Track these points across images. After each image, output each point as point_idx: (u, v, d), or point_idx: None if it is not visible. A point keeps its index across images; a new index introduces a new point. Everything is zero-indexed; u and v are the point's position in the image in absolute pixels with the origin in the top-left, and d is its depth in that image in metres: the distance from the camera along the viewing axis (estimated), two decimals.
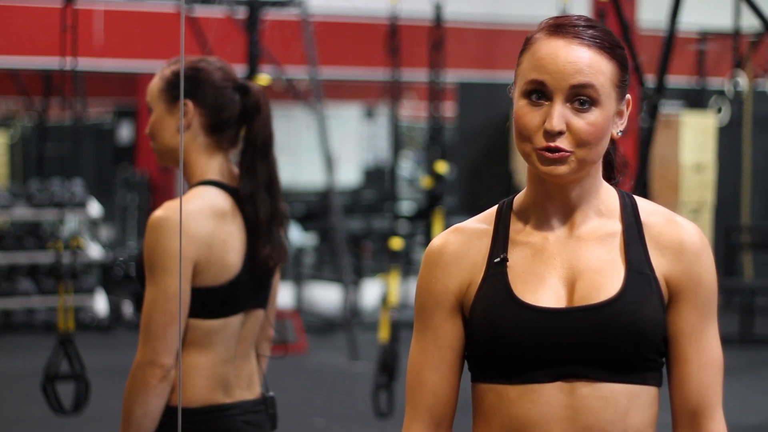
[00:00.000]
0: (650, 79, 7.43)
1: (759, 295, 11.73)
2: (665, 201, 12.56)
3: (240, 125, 3.06)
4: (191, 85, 3.01)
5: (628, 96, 2.03)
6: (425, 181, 8.76)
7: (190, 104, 3.01)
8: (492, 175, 11.81)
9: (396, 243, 8.60)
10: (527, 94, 1.97)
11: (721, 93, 12.88)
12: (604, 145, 1.98)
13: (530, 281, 1.98)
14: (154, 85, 3.05)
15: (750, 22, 10.46)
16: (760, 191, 13.48)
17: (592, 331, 1.94)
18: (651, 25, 10.38)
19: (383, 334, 7.45)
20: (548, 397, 1.94)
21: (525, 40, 2.02)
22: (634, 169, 8.34)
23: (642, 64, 7.35)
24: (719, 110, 12.92)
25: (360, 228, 15.09)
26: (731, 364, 9.88)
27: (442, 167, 8.51)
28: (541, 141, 1.95)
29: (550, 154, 1.94)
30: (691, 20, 10.94)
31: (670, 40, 7.16)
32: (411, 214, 14.88)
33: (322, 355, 10.14)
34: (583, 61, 1.95)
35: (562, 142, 1.94)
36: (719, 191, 12.85)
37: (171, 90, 3.02)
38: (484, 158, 12.08)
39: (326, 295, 12.98)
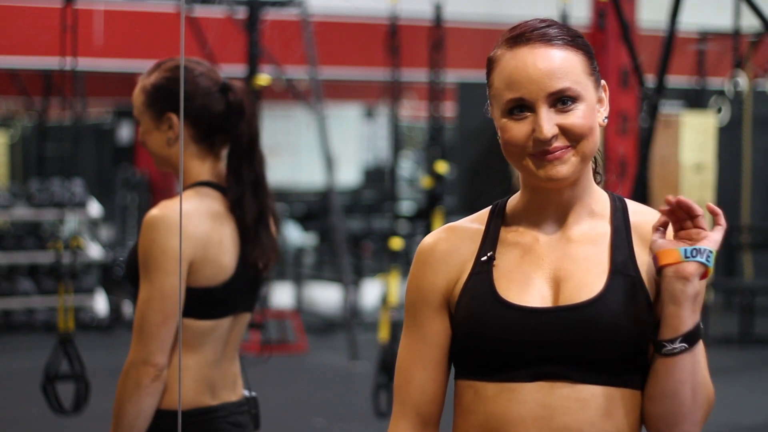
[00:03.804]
0: (650, 79, 7.42)
1: (759, 295, 11.73)
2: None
3: (227, 127, 3.03)
4: (174, 97, 2.97)
5: (603, 81, 2.02)
6: (425, 181, 8.76)
7: (174, 118, 2.97)
8: (492, 175, 11.81)
9: (396, 243, 8.61)
10: (508, 113, 1.96)
11: (721, 93, 12.88)
12: (597, 135, 1.97)
13: (516, 280, 1.97)
14: (137, 98, 3.01)
15: (750, 22, 10.46)
16: (760, 191, 13.48)
17: (573, 330, 1.93)
18: (651, 25, 10.38)
19: (383, 334, 7.45)
20: (526, 396, 1.93)
21: (488, 61, 2.00)
22: (634, 169, 8.33)
23: (642, 64, 7.34)
24: (719, 110, 12.92)
25: (360, 228, 15.09)
26: (731, 364, 9.90)
27: (442, 167, 8.51)
28: (533, 147, 1.94)
29: (548, 155, 1.93)
30: (691, 20, 10.94)
31: (670, 40, 7.15)
32: (411, 214, 14.88)
33: (322, 355, 10.14)
34: (553, 63, 1.94)
35: (558, 143, 1.94)
36: (719, 191, 12.85)
37: (154, 105, 2.99)
38: (484, 158, 12.08)
39: (326, 295, 12.98)
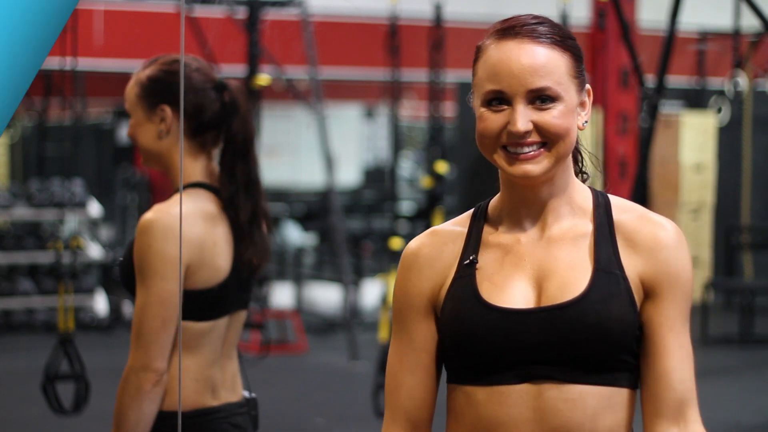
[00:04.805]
0: (650, 79, 7.43)
1: (759, 295, 11.72)
2: (665, 201, 12.57)
3: (221, 125, 3.02)
4: (169, 89, 2.95)
5: (587, 86, 2.01)
6: (425, 181, 8.76)
7: (168, 110, 2.95)
8: (492, 175, 11.81)
9: (396, 243, 8.61)
10: (487, 103, 1.96)
11: (721, 93, 12.89)
12: (573, 137, 1.97)
13: (498, 282, 1.97)
14: (131, 90, 2.99)
15: (750, 22, 10.46)
16: (760, 191, 13.48)
17: (557, 331, 1.92)
18: (651, 25, 10.38)
19: (383, 334, 7.45)
20: (515, 399, 1.93)
21: (476, 49, 2.00)
22: (634, 169, 8.33)
23: (642, 64, 7.35)
24: (719, 110, 12.92)
25: (360, 228, 15.09)
26: (731, 364, 9.91)
27: (442, 167, 8.52)
28: (506, 139, 1.94)
29: (520, 155, 1.93)
30: (691, 20, 10.94)
31: (670, 40, 7.16)
32: (411, 214, 14.88)
33: (322, 355, 10.14)
34: (537, 61, 1.93)
35: (531, 139, 1.93)
36: (719, 191, 12.85)
37: (148, 97, 2.97)
38: (484, 158, 12.04)
39: (326, 295, 12.98)
